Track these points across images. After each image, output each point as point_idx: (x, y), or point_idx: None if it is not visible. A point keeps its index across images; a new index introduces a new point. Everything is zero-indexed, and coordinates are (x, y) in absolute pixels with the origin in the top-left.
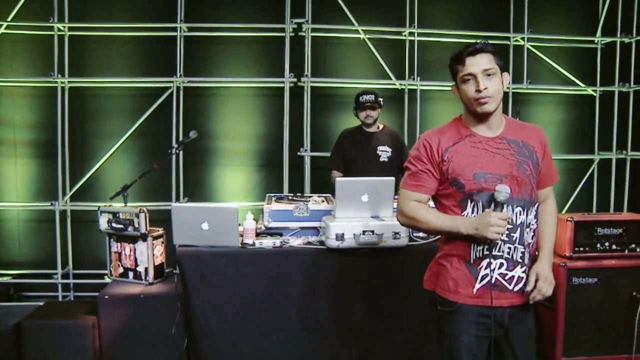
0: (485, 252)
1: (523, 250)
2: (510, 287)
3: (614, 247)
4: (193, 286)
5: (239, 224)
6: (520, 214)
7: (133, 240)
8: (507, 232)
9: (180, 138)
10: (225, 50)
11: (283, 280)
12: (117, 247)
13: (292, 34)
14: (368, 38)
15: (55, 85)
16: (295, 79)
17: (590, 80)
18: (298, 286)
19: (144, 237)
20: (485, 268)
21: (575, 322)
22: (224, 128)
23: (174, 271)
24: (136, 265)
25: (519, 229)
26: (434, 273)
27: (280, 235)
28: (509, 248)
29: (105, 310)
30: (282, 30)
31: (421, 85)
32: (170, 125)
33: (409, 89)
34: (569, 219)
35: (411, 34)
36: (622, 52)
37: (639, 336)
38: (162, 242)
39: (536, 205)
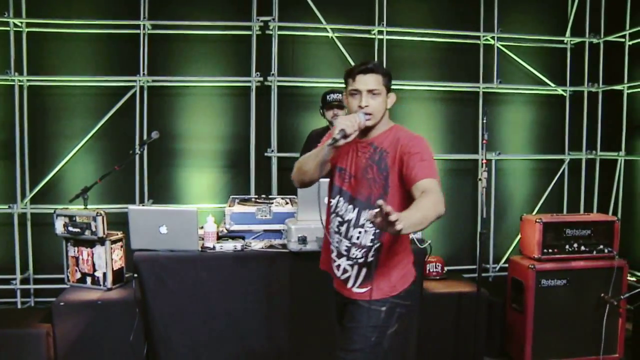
0: (329, 235)
1: (349, 245)
2: (338, 274)
3: (582, 248)
4: (152, 292)
5: (200, 227)
6: (350, 211)
7: (90, 244)
8: (338, 223)
9: (144, 138)
10: (190, 48)
11: (244, 285)
12: (74, 251)
13: (259, 32)
14: (336, 36)
15: (13, 83)
16: (261, 78)
17: (561, 80)
18: (259, 291)
19: (101, 241)
20: (332, 251)
21: (544, 324)
22: (190, 128)
23: (134, 276)
24: (94, 270)
25: (346, 224)
26: None
27: (243, 238)
28: (338, 238)
29: (61, 318)
30: (249, 28)
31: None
32: (134, 125)
33: None
34: (537, 220)
35: (380, 32)
36: (591, 52)
37: (607, 337)
38: (122, 246)
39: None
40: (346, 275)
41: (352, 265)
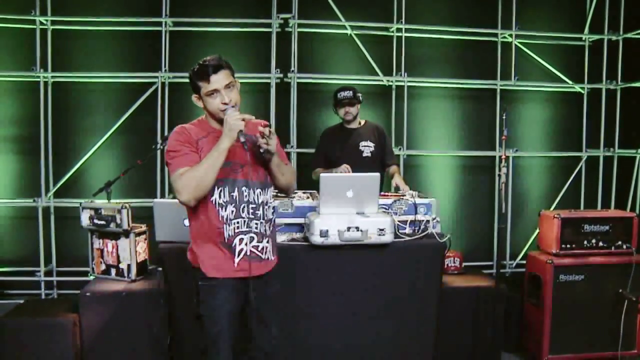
0: (236, 230)
1: (265, 224)
2: (263, 257)
3: (600, 244)
4: (176, 283)
5: None
6: (260, 194)
7: (115, 236)
8: (252, 210)
9: (165, 134)
10: (211, 45)
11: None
12: (99, 243)
13: (279, 30)
14: (355, 34)
15: (38, 80)
16: (281, 75)
17: (578, 77)
18: (281, 283)
19: (126, 234)
20: (240, 244)
21: (562, 320)
22: None
23: (158, 268)
24: (119, 262)
25: (260, 206)
26: (195, 255)
27: None
28: (256, 223)
29: (87, 308)
30: (269, 25)
31: (408, 81)
32: (155, 121)
33: (396, 85)
34: (556, 215)
35: (398, 30)
36: (610, 49)
37: (625, 333)
38: (145, 239)
39: (272, 186)
40: (267, 252)
41: (268, 241)
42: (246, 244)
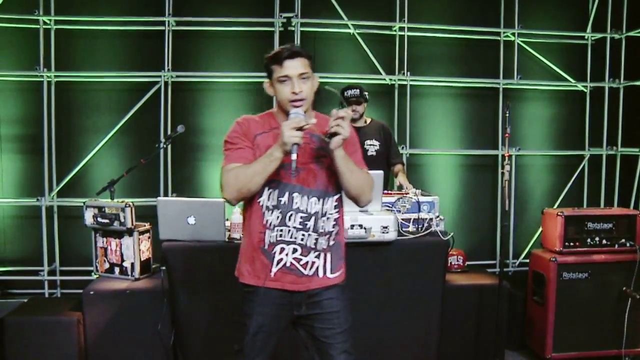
0: (279, 238)
1: (317, 237)
2: (305, 272)
3: (604, 241)
4: (179, 281)
5: (226, 219)
6: (315, 204)
7: (119, 235)
8: (302, 219)
9: (168, 133)
10: (214, 44)
11: None
12: (103, 242)
13: (282, 29)
14: (358, 33)
15: (41, 79)
16: None
17: (581, 76)
18: None
19: (130, 232)
20: (280, 253)
21: (565, 318)
22: (213, 123)
23: (161, 267)
24: (122, 260)
25: (313, 217)
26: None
27: None
28: (303, 235)
29: (91, 306)
30: (271, 24)
31: (411, 80)
32: (158, 120)
33: (399, 84)
34: (559, 213)
35: (401, 28)
36: (613, 48)
37: (629, 331)
38: (149, 237)
39: (335, 196)
40: (314, 268)
41: (318, 256)
42: (287, 255)
